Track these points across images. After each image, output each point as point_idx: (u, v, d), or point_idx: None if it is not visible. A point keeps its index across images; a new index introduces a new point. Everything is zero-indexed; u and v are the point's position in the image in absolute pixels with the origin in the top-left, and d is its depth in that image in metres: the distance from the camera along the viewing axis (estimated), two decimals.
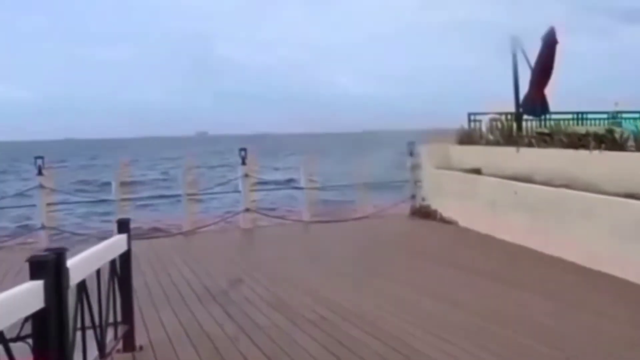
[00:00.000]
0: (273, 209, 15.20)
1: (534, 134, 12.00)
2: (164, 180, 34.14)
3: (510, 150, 10.94)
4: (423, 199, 13.31)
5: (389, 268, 8.20)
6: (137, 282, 7.60)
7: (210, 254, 9.73)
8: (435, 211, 12.82)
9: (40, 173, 11.06)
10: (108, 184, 13.69)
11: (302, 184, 13.01)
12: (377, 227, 12.28)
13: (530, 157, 10.32)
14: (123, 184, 12.27)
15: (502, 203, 10.20)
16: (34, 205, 11.14)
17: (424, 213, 13.12)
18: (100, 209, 16.51)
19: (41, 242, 10.82)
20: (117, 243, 4.91)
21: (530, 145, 10.66)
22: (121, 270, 4.97)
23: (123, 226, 5.07)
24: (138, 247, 10.65)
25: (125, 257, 5.09)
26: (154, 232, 12.22)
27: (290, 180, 17.38)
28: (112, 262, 4.70)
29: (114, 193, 11.58)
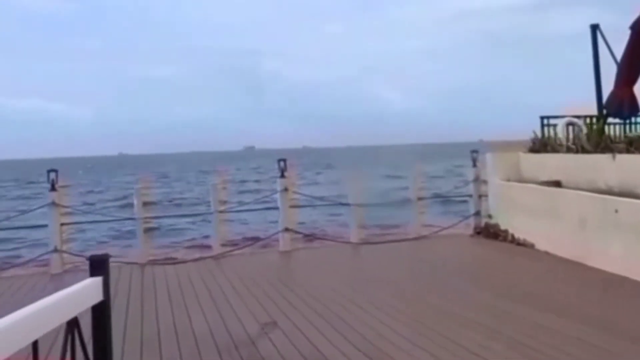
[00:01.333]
0: (315, 229, 13.55)
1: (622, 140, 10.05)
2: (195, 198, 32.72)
3: (603, 158, 9.02)
4: (490, 217, 11.45)
5: (463, 309, 6.44)
6: (148, 329, 6.20)
7: (241, 285, 8.17)
8: (505, 231, 10.96)
9: (53, 189, 9.78)
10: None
11: (350, 200, 11.37)
12: (438, 251, 10.50)
13: (632, 166, 8.38)
14: (147, 203, 10.86)
15: (595, 223, 8.31)
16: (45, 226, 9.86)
17: (491, 233, 11.28)
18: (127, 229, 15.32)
19: (53, 267, 9.52)
20: (85, 291, 3.38)
21: (629, 151, 8.72)
22: (94, 331, 3.43)
23: (98, 266, 3.54)
24: (160, 275, 9.48)
25: (100, 312, 3.55)
26: (181, 255, 10.74)
27: (336, 196, 15.75)
28: (72, 323, 3.16)
29: (136, 212, 10.23)
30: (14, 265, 10.14)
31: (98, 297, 2.96)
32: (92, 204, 27.07)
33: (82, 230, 16.82)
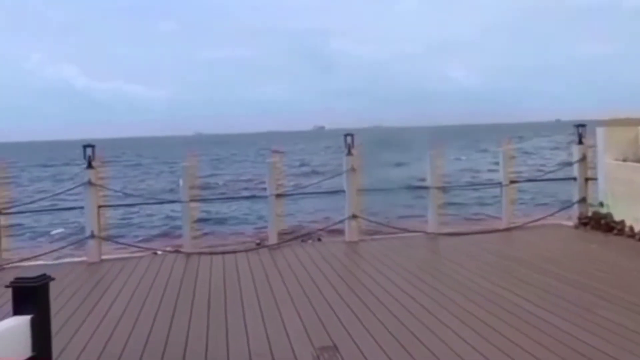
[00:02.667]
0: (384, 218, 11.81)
1: None
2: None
3: None
4: (601, 205, 9.45)
5: (595, 335, 4.70)
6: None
7: (298, 286, 6.71)
8: (620, 223, 8.98)
9: (90, 166, 8.64)
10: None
11: (429, 182, 9.67)
12: (536, 245, 8.64)
13: None
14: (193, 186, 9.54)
15: None
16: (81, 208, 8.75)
17: (601, 224, 9.30)
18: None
19: (91, 256, 8.42)
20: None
21: None
22: None
23: (27, 297, 2.12)
24: (203, 266, 7.77)
25: None
26: (230, 243, 9.38)
27: (409, 178, 13.98)
28: None
29: (182, 194, 8.96)
30: (46, 252, 9.09)
31: (23, 353, 1.93)
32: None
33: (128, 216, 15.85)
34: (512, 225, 9.79)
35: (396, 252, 8.35)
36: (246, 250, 8.84)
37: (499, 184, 10.00)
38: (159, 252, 9.10)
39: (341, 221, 9.48)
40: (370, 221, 9.75)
